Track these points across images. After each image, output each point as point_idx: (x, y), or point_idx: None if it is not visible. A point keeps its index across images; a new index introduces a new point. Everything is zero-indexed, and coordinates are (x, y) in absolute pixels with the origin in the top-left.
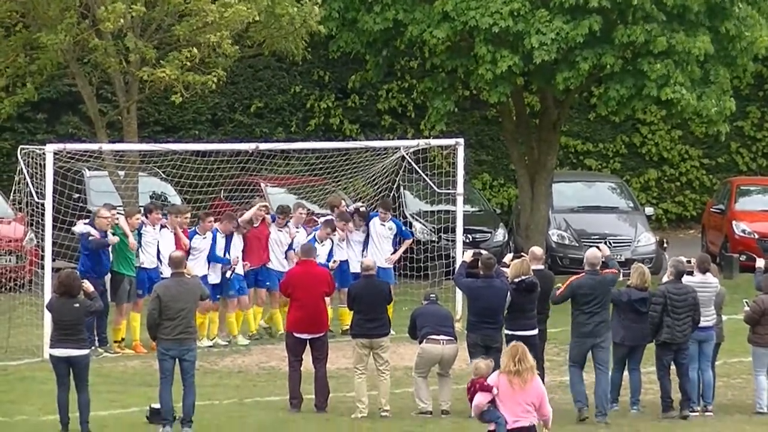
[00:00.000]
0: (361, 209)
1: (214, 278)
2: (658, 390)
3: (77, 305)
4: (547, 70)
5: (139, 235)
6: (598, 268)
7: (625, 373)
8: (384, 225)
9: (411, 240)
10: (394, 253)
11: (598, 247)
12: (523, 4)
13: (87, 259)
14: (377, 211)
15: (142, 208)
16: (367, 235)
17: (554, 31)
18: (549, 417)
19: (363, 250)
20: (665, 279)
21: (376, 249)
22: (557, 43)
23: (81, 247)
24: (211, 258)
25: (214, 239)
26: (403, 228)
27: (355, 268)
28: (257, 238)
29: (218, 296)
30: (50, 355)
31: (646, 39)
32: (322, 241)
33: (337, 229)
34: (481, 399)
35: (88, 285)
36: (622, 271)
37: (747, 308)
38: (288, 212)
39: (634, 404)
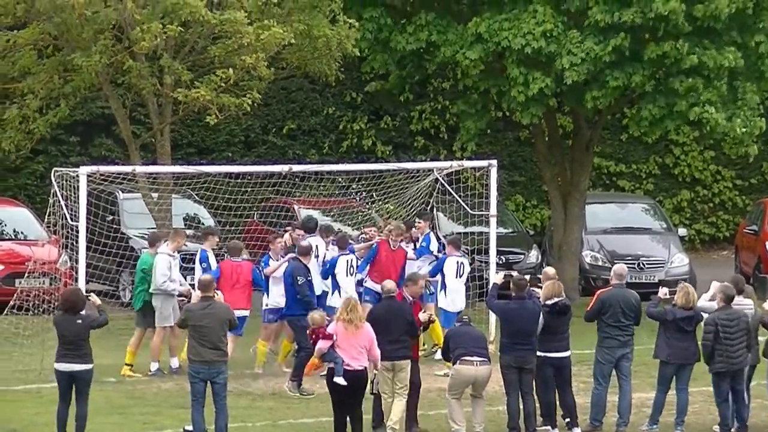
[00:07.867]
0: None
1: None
2: (708, 414)
3: (79, 321)
4: (579, 91)
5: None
6: (624, 282)
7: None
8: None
9: None
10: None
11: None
12: (556, 25)
13: None
14: (447, 253)
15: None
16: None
17: (584, 52)
18: (378, 359)
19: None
20: (705, 303)
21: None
22: (587, 63)
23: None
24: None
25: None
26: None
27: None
28: None
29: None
30: (55, 369)
31: (676, 57)
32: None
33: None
34: (322, 344)
35: (95, 298)
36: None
37: None
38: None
39: (678, 425)
